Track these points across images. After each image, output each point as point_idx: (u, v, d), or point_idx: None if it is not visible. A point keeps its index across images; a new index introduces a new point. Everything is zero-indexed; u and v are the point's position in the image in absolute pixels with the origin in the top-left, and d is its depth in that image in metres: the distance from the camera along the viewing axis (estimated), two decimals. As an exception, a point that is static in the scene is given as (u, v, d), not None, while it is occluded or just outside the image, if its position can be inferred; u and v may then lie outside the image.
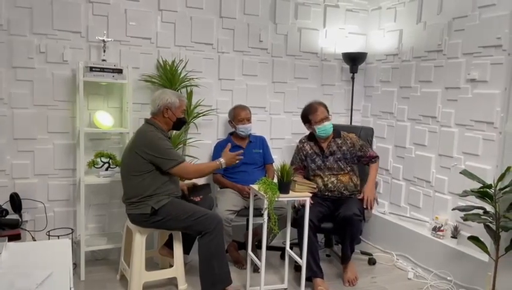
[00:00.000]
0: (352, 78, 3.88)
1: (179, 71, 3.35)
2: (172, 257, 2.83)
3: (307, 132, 3.35)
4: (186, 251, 2.96)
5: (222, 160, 2.78)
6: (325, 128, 3.15)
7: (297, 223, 2.91)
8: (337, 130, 3.27)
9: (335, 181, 3.15)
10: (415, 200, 3.54)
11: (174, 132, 3.36)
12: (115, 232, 3.35)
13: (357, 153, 3.20)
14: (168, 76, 3.30)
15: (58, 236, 3.05)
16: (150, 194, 2.65)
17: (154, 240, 3.28)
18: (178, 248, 2.82)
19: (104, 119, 3.13)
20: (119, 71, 3.04)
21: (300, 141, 3.35)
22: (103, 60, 3.08)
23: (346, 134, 3.27)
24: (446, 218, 3.21)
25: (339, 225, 3.00)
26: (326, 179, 3.15)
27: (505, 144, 2.63)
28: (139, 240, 2.73)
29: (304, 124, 3.27)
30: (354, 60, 3.81)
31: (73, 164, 3.21)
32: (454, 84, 3.16)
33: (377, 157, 3.26)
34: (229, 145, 2.95)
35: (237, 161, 2.84)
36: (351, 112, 3.95)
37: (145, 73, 3.33)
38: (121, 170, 2.78)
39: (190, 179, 2.87)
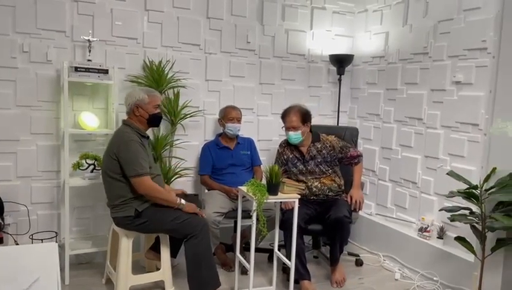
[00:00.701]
0: (339, 80, 3.90)
1: (166, 72, 3.32)
2: (159, 260, 2.79)
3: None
4: (173, 254, 2.92)
5: (183, 202, 2.68)
6: (290, 137, 3.14)
7: (284, 226, 2.90)
8: (316, 133, 3.24)
9: (319, 185, 3.14)
10: (401, 201, 3.57)
11: (161, 133, 3.34)
12: (99, 235, 3.29)
13: (337, 156, 3.19)
14: (155, 77, 3.27)
15: (41, 240, 2.98)
16: (134, 197, 2.60)
17: (140, 242, 3.23)
18: (165, 251, 2.78)
19: (89, 120, 3.07)
20: (105, 71, 3.00)
21: (280, 145, 3.32)
22: (88, 60, 3.03)
23: (326, 137, 3.24)
24: (432, 219, 3.25)
25: (329, 227, 3.00)
26: (310, 183, 3.14)
27: (490, 145, 2.66)
28: (126, 243, 2.69)
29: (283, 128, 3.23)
30: (340, 62, 3.83)
31: (58, 166, 3.14)
32: (439, 87, 3.20)
33: (359, 156, 3.25)
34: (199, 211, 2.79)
35: (198, 210, 2.74)
36: (337, 114, 3.97)
37: (131, 73, 3.28)
38: (102, 173, 2.73)
39: (140, 193, 2.59)
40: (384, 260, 3.53)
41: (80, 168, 3.04)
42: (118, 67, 3.14)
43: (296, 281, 2.87)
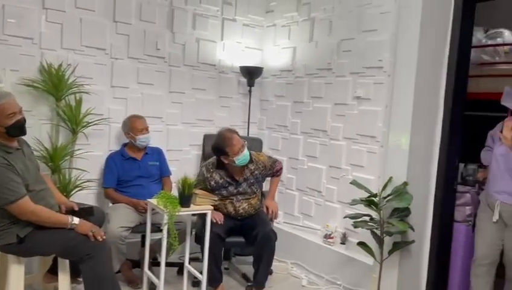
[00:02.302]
0: (249, 91, 3.96)
1: (67, 76, 3.08)
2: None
3: (205, 142, 3.29)
4: (76, 273, 2.65)
5: (76, 221, 2.36)
6: (244, 157, 2.96)
7: (202, 240, 2.83)
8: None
9: (246, 207, 3.10)
10: (307, 209, 3.72)
11: (60, 142, 3.09)
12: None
13: (267, 173, 3.20)
14: (54, 81, 3.02)
15: None
16: (12, 221, 2.26)
17: (33, 263, 2.91)
18: (63, 273, 2.49)
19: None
20: (-6, 73, 2.68)
21: (207, 170, 3.06)
22: (-27, 60, 2.69)
23: (257, 156, 3.15)
24: (336, 225, 3.43)
25: (257, 244, 2.94)
26: (238, 205, 3.07)
27: (387, 156, 2.90)
28: (16, 269, 2.35)
29: (218, 156, 3.01)
30: (250, 73, 3.90)
31: None
32: (342, 101, 3.41)
33: (281, 169, 3.32)
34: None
35: (92, 232, 2.35)
36: (248, 125, 4.02)
37: (25, 76, 2.98)
38: None
39: (24, 219, 2.29)
40: (292, 267, 3.63)
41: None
42: (10, 69, 2.86)
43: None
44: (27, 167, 2.35)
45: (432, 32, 2.71)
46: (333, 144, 3.49)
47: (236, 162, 2.94)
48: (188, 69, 3.77)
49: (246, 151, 2.96)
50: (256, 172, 3.11)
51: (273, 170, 3.24)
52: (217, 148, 2.98)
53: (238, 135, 3.02)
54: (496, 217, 2.58)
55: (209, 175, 3.05)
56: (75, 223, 2.35)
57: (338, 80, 3.45)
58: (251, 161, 3.05)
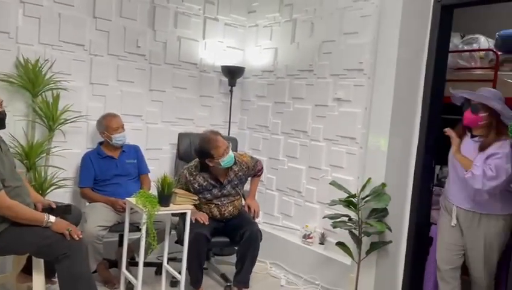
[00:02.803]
0: (231, 91, 3.95)
1: (44, 72, 3.01)
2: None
3: (180, 141, 3.26)
4: (51, 274, 2.60)
5: (52, 220, 2.30)
6: (230, 158, 2.94)
7: (190, 241, 2.78)
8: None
9: (231, 209, 3.09)
10: (287, 209, 3.73)
11: (36, 139, 3.02)
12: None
13: (250, 173, 3.20)
14: (30, 76, 2.95)
15: None
16: None
17: (6, 263, 2.84)
18: (38, 274, 2.41)
19: None
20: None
21: (190, 173, 3.01)
22: None
23: (240, 157, 3.13)
24: (315, 226, 3.46)
25: (243, 243, 2.94)
26: (223, 208, 3.06)
27: (366, 157, 2.94)
28: None
29: (203, 159, 2.96)
30: (232, 73, 3.89)
31: None
32: (323, 102, 3.44)
33: (262, 168, 3.33)
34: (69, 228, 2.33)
35: (69, 230, 2.30)
36: (229, 124, 4.02)
37: (1, 71, 2.90)
38: None
39: None
40: (270, 267, 3.64)
41: None
42: (-15, 63, 2.76)
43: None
44: (3, 163, 2.29)
45: (410, 37, 2.76)
46: (313, 145, 3.52)
47: (222, 164, 2.91)
48: (169, 67, 3.74)
49: (230, 153, 2.95)
50: (240, 173, 3.10)
51: (255, 170, 3.25)
52: (202, 151, 2.93)
53: (222, 136, 3.00)
54: (454, 222, 2.59)
55: (192, 178, 2.99)
56: (50, 221, 2.29)
57: (319, 81, 3.48)
58: (235, 162, 3.03)
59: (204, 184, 3.00)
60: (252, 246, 2.94)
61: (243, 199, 3.23)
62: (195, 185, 3.00)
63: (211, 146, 2.89)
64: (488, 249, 2.52)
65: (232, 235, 3.02)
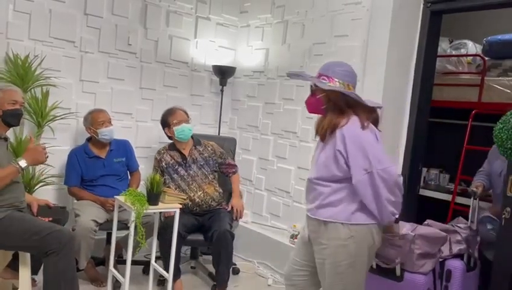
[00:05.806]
0: (222, 90, 3.96)
1: (33, 68, 3.00)
2: (18, 279, 2.46)
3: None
4: (34, 271, 2.60)
5: (22, 161, 2.29)
6: (183, 130, 3.15)
7: (162, 235, 2.82)
8: (197, 138, 3.32)
9: (202, 195, 3.13)
10: (275, 209, 3.75)
11: (24, 135, 2.99)
12: None
13: (217, 160, 3.29)
14: (20, 72, 2.93)
15: None
16: None
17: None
18: (24, 270, 2.41)
19: None
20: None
21: (158, 153, 3.26)
22: None
23: (207, 141, 3.35)
24: (303, 226, 3.47)
25: (214, 244, 2.96)
26: (192, 194, 3.11)
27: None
28: None
29: (164, 128, 3.26)
30: (223, 73, 3.90)
31: None
32: (312, 104, 3.46)
33: (236, 166, 3.40)
34: (33, 140, 2.46)
35: (46, 155, 2.39)
36: (219, 124, 4.03)
37: (-11, 66, 2.89)
38: None
39: None
40: (258, 266, 3.66)
41: None
42: (-27, 58, 2.74)
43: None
44: (2, 157, 2.34)
45: (400, 41, 2.80)
46: (302, 146, 3.54)
47: (175, 133, 3.14)
48: (159, 65, 3.74)
49: (186, 126, 3.16)
50: (205, 154, 3.25)
51: (225, 162, 3.30)
52: (162, 120, 3.26)
53: (186, 113, 3.26)
54: (306, 233, 2.12)
55: (159, 157, 3.21)
56: (24, 163, 2.30)
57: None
58: (199, 143, 3.27)
59: (171, 162, 3.17)
60: (222, 247, 2.94)
61: (219, 191, 3.23)
62: (163, 164, 3.17)
63: (169, 113, 3.23)
64: None
65: (206, 234, 3.05)
